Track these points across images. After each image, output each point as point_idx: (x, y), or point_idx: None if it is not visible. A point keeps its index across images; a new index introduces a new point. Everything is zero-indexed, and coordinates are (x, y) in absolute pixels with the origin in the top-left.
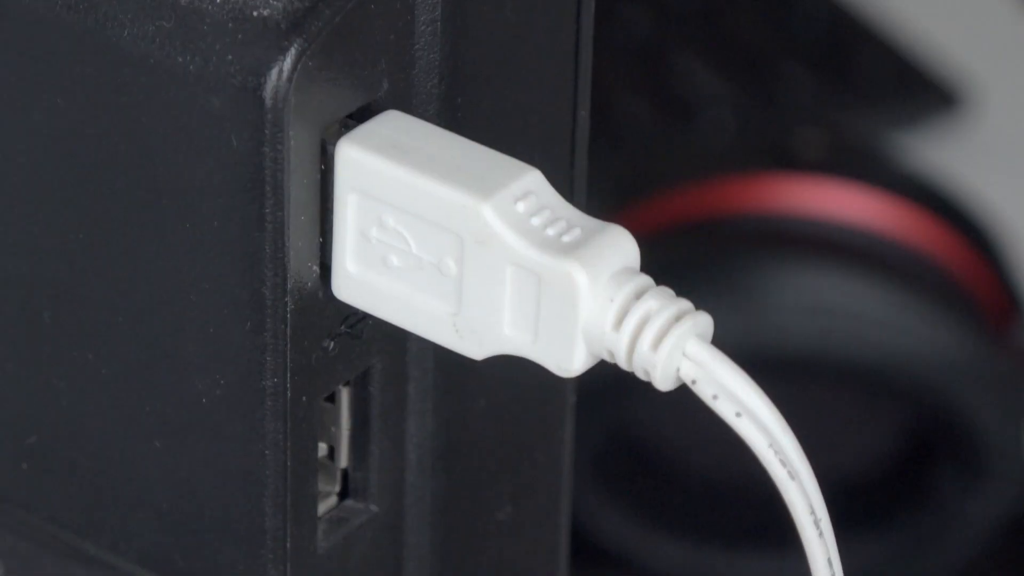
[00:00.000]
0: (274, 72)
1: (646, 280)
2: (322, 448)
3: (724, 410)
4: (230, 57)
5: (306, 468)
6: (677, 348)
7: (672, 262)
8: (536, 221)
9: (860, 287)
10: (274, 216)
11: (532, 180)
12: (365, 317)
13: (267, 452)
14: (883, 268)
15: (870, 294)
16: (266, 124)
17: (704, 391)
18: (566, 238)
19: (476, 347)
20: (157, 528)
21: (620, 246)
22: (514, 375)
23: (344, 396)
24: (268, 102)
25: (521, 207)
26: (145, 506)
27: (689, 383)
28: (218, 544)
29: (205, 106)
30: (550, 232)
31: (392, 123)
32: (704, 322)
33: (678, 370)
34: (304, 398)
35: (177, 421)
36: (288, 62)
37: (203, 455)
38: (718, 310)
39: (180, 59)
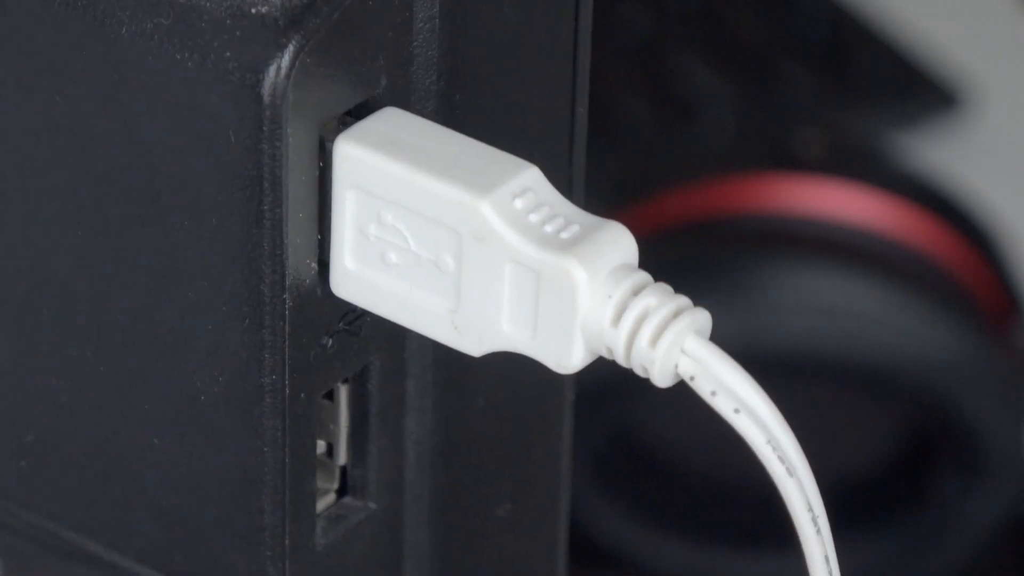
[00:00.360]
0: (272, 69)
1: (644, 276)
2: (321, 445)
3: (722, 406)
4: (228, 54)
5: (304, 465)
6: (675, 344)
7: (672, 262)
8: (534, 218)
9: (860, 287)
10: (272, 213)
11: (530, 177)
12: (364, 314)
13: (266, 449)
14: (883, 268)
15: (870, 294)
16: (264, 121)
17: (702, 387)
18: (564, 235)
19: (475, 344)
20: (156, 525)
21: (618, 243)
22: (513, 372)
23: (343, 393)
24: (266, 99)
25: (519, 204)
26: (144, 503)
27: (687, 379)
28: (217, 541)
29: (203, 103)
30: (548, 229)
31: (390, 120)
32: (702, 319)
33: (676, 366)
34: (302, 395)
35: (176, 418)
36: (286, 59)
37: (202, 452)
38: (718, 309)
39: (178, 56)
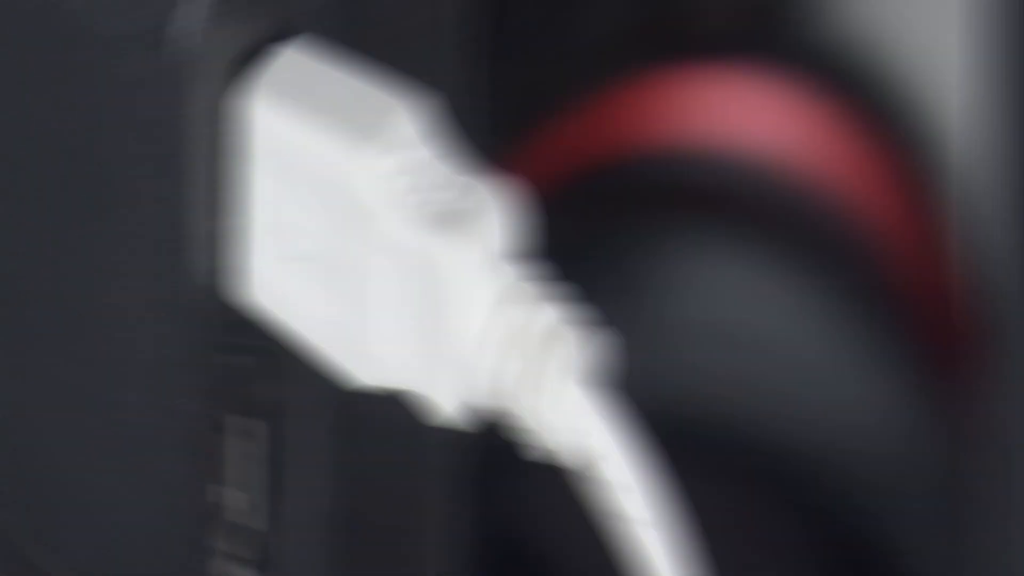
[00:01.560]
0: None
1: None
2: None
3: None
4: (139, 15)
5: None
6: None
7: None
8: (412, 199)
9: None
10: (177, 192)
11: (417, 152)
12: (269, 334)
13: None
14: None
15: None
16: (171, 86)
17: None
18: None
19: (363, 369)
20: (91, 544)
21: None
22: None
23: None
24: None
25: (396, 184)
26: (79, 520)
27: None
28: (146, 564)
29: (114, 72)
30: (424, 211)
31: (287, 72)
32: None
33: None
34: (210, 416)
35: (96, 428)
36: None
37: (125, 471)
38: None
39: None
